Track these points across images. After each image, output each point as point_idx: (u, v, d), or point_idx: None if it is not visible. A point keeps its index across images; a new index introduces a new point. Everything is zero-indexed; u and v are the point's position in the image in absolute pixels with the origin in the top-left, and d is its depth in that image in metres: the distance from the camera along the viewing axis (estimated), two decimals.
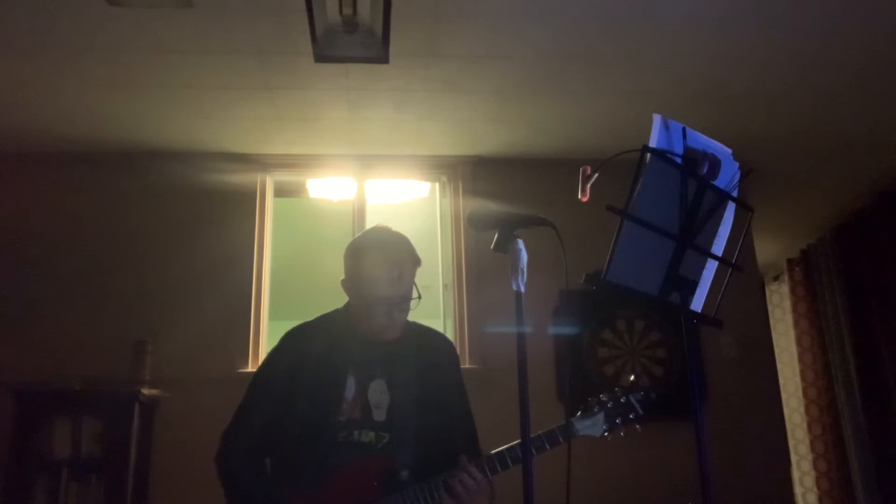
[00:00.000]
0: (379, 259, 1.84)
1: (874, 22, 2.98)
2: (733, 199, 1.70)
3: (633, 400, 1.91)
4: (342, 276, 1.93)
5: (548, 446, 1.83)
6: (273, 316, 3.99)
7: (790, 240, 5.47)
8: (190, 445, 3.02)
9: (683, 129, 1.63)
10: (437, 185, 4.36)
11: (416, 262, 1.89)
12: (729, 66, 3.30)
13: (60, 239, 3.80)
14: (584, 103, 3.62)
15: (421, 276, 1.90)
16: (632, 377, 1.99)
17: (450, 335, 3.92)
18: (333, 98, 3.52)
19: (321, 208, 4.74)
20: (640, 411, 1.91)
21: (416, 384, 1.92)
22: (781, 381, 5.12)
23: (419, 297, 1.88)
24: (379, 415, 1.87)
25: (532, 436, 1.77)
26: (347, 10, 2.72)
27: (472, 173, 4.16)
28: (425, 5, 2.83)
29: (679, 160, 1.60)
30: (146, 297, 3.74)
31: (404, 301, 1.86)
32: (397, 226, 1.96)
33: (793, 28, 3.01)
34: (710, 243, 1.70)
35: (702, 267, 1.71)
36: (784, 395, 5.19)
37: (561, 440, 1.82)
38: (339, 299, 2.01)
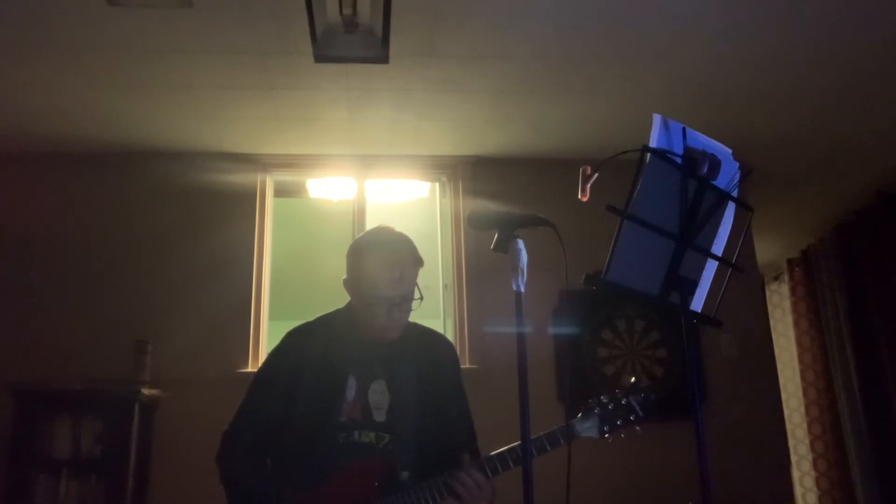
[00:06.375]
0: (380, 259, 1.84)
1: (874, 22, 2.97)
2: (733, 199, 1.70)
3: (633, 402, 1.90)
4: (343, 276, 1.93)
5: (548, 447, 1.82)
6: (273, 316, 3.99)
7: (790, 240, 5.47)
8: (190, 445, 3.03)
9: (683, 129, 1.63)
10: (436, 185, 4.36)
11: (418, 262, 1.88)
12: (729, 66, 3.29)
13: (60, 239, 3.79)
14: (584, 103, 3.62)
15: (421, 276, 1.90)
16: (632, 379, 1.99)
17: (450, 335, 3.91)
18: (333, 98, 3.52)
19: (321, 208, 4.74)
20: (641, 413, 1.90)
21: (416, 385, 1.92)
22: (781, 381, 5.11)
23: (421, 297, 1.88)
24: (379, 415, 1.87)
25: (533, 437, 1.77)
26: (347, 10, 2.72)
27: (471, 173, 4.15)
28: (425, 5, 2.83)
29: (679, 160, 1.60)
30: (146, 297, 3.74)
31: (405, 301, 1.85)
32: (397, 226, 1.96)
33: (793, 28, 3.01)
34: (710, 243, 1.70)
35: (702, 267, 1.71)
36: (784, 395, 5.19)
37: (562, 441, 1.82)
38: (338, 299, 2.01)
